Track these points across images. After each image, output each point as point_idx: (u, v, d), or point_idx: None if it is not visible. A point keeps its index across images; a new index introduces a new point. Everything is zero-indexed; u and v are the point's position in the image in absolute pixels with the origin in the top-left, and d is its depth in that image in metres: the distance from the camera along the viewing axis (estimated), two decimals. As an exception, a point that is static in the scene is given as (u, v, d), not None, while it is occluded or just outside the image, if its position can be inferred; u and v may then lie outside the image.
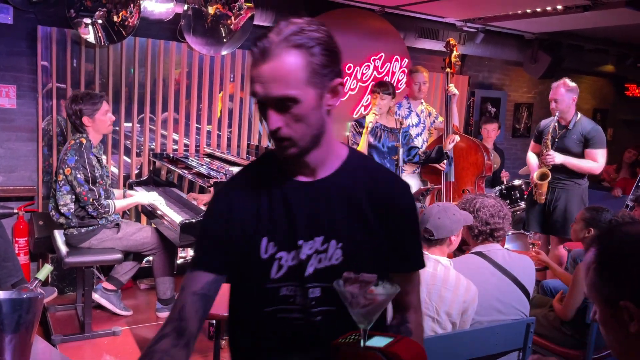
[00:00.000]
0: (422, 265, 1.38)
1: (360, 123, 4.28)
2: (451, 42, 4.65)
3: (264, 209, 1.28)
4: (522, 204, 4.72)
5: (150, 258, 3.86)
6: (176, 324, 1.25)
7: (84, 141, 3.43)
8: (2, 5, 3.97)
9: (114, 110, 4.36)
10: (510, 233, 3.91)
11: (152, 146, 4.72)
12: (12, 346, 1.32)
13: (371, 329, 1.05)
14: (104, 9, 4.12)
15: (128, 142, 4.63)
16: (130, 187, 4.30)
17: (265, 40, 1.14)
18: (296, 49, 1.14)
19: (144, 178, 4.47)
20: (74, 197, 3.43)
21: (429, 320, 2.12)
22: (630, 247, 1.13)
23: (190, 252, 4.47)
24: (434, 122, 4.81)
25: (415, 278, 1.38)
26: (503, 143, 6.80)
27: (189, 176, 3.83)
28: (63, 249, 3.49)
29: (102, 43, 4.21)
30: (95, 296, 3.70)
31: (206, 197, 3.65)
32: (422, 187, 4.45)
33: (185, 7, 4.46)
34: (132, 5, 4.16)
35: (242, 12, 4.61)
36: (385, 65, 5.63)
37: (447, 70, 4.63)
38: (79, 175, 3.37)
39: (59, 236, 3.66)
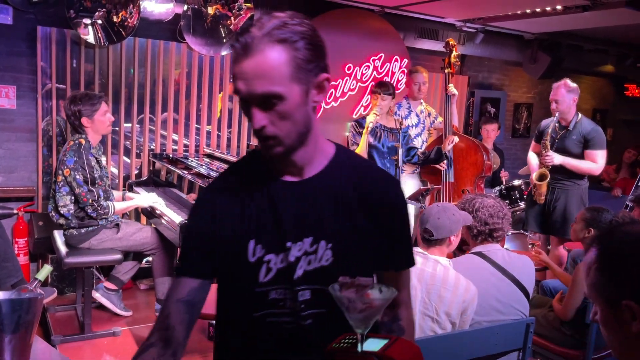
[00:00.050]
0: (412, 263, 1.36)
1: (360, 123, 4.28)
2: (450, 43, 4.66)
3: (250, 211, 1.24)
4: (522, 204, 4.72)
5: (150, 258, 3.86)
6: (162, 333, 1.22)
7: (83, 142, 3.43)
8: (1, 6, 3.97)
9: (113, 111, 4.37)
10: (509, 233, 3.91)
11: (152, 146, 4.71)
12: (12, 346, 1.32)
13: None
14: (104, 10, 4.12)
15: (128, 142, 4.63)
16: (130, 188, 4.30)
17: (247, 35, 1.10)
18: (279, 44, 1.09)
19: (144, 178, 4.46)
20: (73, 198, 3.43)
21: (428, 320, 2.12)
22: (631, 247, 1.13)
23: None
24: (433, 122, 4.81)
25: (405, 275, 1.36)
26: (503, 143, 6.80)
27: (189, 176, 3.83)
28: (63, 249, 3.49)
29: (102, 43, 4.21)
30: (97, 295, 3.70)
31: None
32: (421, 188, 4.45)
33: (185, 7, 4.46)
34: (131, 5, 4.16)
35: (241, 12, 4.61)
36: (385, 66, 5.63)
37: (447, 70, 4.63)
38: (78, 176, 3.37)
39: (58, 237, 3.66)
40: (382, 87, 4.25)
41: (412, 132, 4.64)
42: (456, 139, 4.41)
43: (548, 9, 4.92)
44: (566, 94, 4.06)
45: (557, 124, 4.16)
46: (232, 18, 4.62)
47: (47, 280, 4.08)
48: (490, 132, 5.56)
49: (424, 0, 4.85)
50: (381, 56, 5.57)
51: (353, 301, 0.95)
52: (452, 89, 4.55)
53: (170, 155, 4.44)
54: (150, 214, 3.90)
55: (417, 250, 2.29)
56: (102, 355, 3.37)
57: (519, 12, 5.17)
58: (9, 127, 4.16)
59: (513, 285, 2.36)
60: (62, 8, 4.02)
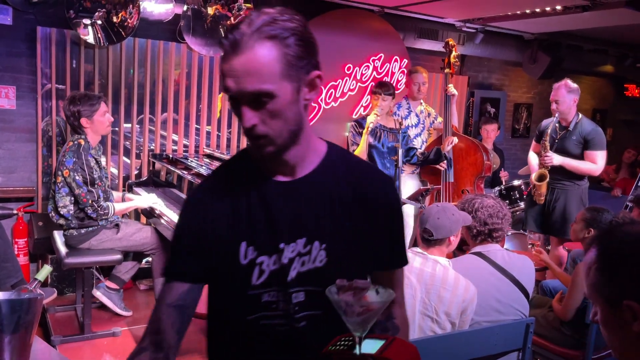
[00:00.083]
0: (406, 261, 1.34)
1: (360, 123, 4.28)
2: (450, 43, 4.66)
3: (242, 212, 1.21)
4: (522, 204, 4.73)
5: (150, 258, 3.86)
6: (153, 337, 1.21)
7: (83, 142, 3.43)
8: (1, 6, 3.96)
9: (113, 111, 4.37)
10: (509, 233, 3.91)
11: (152, 147, 4.72)
12: (12, 347, 1.32)
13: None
14: (104, 10, 4.12)
15: (127, 142, 4.63)
16: (130, 188, 4.30)
17: (237, 32, 1.07)
18: (269, 41, 1.07)
19: (144, 179, 4.47)
20: (73, 198, 3.43)
21: (428, 320, 2.12)
22: (631, 247, 1.13)
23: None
24: (433, 122, 4.81)
25: (399, 274, 1.35)
26: (502, 143, 6.80)
27: (189, 177, 3.83)
28: (62, 249, 3.49)
29: (102, 44, 4.21)
30: (98, 294, 3.70)
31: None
32: (421, 188, 4.45)
33: (185, 7, 4.46)
34: (131, 6, 4.16)
35: (241, 12, 4.61)
36: (385, 66, 5.63)
37: (447, 70, 4.63)
38: (77, 177, 3.37)
39: (58, 237, 3.66)
40: (383, 87, 4.25)
41: (412, 132, 4.64)
42: (455, 139, 4.41)
43: (548, 9, 4.92)
44: (566, 95, 4.06)
45: (557, 125, 4.15)
46: (232, 18, 4.62)
47: (47, 281, 4.08)
48: (490, 132, 5.56)
49: (423, 1, 4.85)
50: (381, 56, 5.57)
51: (351, 305, 0.94)
52: (451, 89, 4.55)
53: (170, 156, 4.44)
54: (149, 213, 3.90)
55: (416, 250, 2.29)
56: (102, 356, 3.37)
57: (518, 12, 5.17)
58: (9, 128, 4.16)
59: (513, 286, 2.36)
60: (62, 8, 4.03)
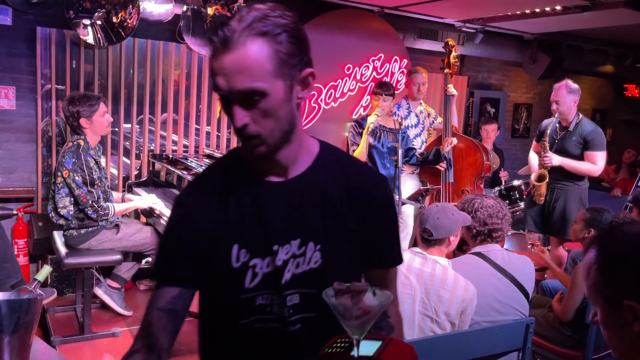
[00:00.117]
0: (400, 260, 1.32)
1: (359, 124, 4.28)
2: (450, 43, 4.66)
3: (233, 214, 1.18)
4: (522, 205, 4.73)
5: (150, 259, 3.85)
6: (145, 340, 1.19)
7: (82, 143, 3.43)
8: (1, 7, 3.96)
9: (113, 112, 4.37)
10: (509, 233, 3.91)
11: (152, 147, 4.72)
12: (11, 347, 1.32)
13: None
14: (103, 10, 4.12)
15: (127, 143, 4.63)
16: (130, 188, 4.30)
17: (227, 29, 1.03)
18: (261, 37, 1.03)
19: (144, 179, 4.47)
20: (73, 199, 3.43)
21: (427, 321, 2.12)
22: (632, 247, 1.13)
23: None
24: (432, 122, 4.81)
25: (393, 272, 1.32)
26: (502, 143, 6.80)
27: (189, 177, 3.83)
28: (62, 250, 3.49)
29: (101, 44, 4.21)
30: (99, 292, 3.70)
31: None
32: (421, 188, 4.45)
33: (185, 8, 4.46)
34: (131, 6, 4.16)
35: (241, 13, 4.60)
36: (385, 66, 5.63)
37: (446, 71, 4.63)
38: (77, 178, 3.37)
39: (58, 237, 3.66)
40: (384, 87, 4.25)
41: (412, 132, 4.64)
42: (455, 140, 4.40)
43: (547, 9, 4.92)
44: (567, 95, 4.05)
45: (557, 125, 4.15)
46: (232, 18, 4.61)
47: (46, 281, 4.08)
48: (490, 133, 5.56)
49: (423, 1, 4.85)
50: (381, 56, 5.57)
51: (349, 309, 0.92)
52: (451, 89, 4.55)
53: (170, 156, 4.44)
54: (150, 214, 3.90)
55: (416, 250, 2.29)
56: (101, 356, 3.37)
57: (518, 12, 5.17)
58: (9, 128, 4.16)
59: (512, 286, 2.36)
60: (62, 9, 4.02)
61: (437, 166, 4.52)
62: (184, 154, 4.73)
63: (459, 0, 4.81)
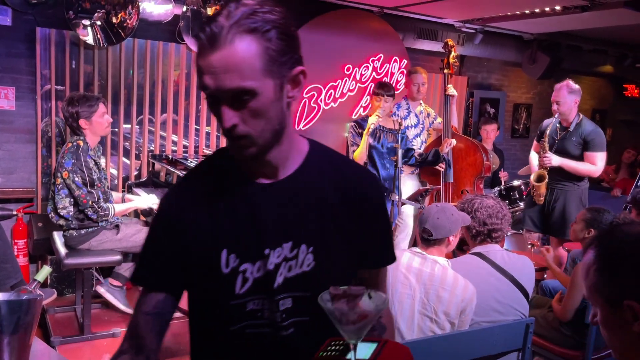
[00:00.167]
0: (392, 259, 1.29)
1: (359, 124, 4.28)
2: (449, 43, 4.66)
3: (221, 218, 1.14)
4: (521, 205, 4.73)
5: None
6: (133, 341, 1.17)
7: (82, 144, 3.43)
8: (0, 7, 3.97)
9: (112, 112, 4.37)
10: (509, 234, 3.91)
11: (151, 148, 4.72)
12: (11, 348, 1.32)
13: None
14: (103, 11, 4.12)
15: (127, 143, 4.63)
16: (130, 189, 4.30)
17: (214, 25, 0.99)
18: (250, 34, 0.99)
19: (143, 179, 4.46)
20: (72, 200, 3.43)
21: (427, 321, 2.12)
22: (632, 247, 1.13)
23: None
24: (432, 122, 4.81)
25: (384, 272, 1.31)
26: (502, 144, 6.80)
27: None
28: (62, 250, 3.49)
29: (101, 45, 4.21)
30: (102, 290, 3.70)
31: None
32: (421, 188, 4.45)
33: (184, 8, 4.46)
34: (130, 6, 4.16)
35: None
36: (384, 66, 5.63)
37: (446, 71, 4.63)
38: (76, 179, 3.37)
39: (58, 238, 3.66)
40: (385, 88, 4.24)
41: (411, 132, 4.64)
42: (454, 141, 4.40)
43: (547, 9, 4.92)
44: (568, 96, 4.05)
45: (557, 125, 4.15)
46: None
47: (46, 282, 4.08)
48: (490, 133, 5.56)
49: (423, 1, 4.85)
50: (380, 57, 5.57)
51: (346, 314, 0.90)
52: (451, 89, 4.55)
53: (170, 156, 4.44)
54: (150, 214, 3.89)
55: (415, 250, 2.29)
56: (101, 357, 3.36)
57: (518, 12, 5.17)
58: (8, 129, 4.16)
59: (512, 286, 2.36)
60: (61, 9, 4.02)
61: (436, 167, 4.52)
62: (183, 154, 4.73)
63: (458, 1, 4.81)
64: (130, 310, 3.79)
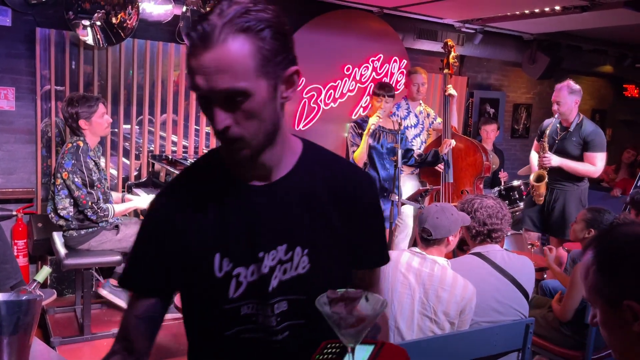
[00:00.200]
0: (386, 260, 1.28)
1: (359, 124, 4.27)
2: (449, 44, 4.65)
3: (214, 221, 1.12)
4: (521, 205, 4.73)
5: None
6: (124, 343, 1.17)
7: (81, 144, 3.43)
8: (0, 7, 3.96)
9: (112, 112, 4.37)
10: (508, 234, 3.91)
11: (151, 148, 4.72)
12: (11, 348, 1.32)
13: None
14: (103, 11, 4.11)
15: (127, 144, 4.63)
16: (129, 189, 4.30)
17: (206, 24, 0.96)
18: (243, 34, 0.96)
19: (143, 180, 4.47)
20: (72, 200, 3.43)
21: (426, 321, 2.12)
22: (632, 247, 1.13)
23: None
24: (432, 123, 4.81)
25: (378, 272, 1.29)
26: (502, 144, 6.80)
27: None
28: (62, 251, 3.49)
29: (101, 45, 4.21)
30: (104, 292, 3.70)
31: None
32: (420, 188, 4.45)
33: (184, 8, 4.45)
34: (130, 7, 4.16)
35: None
36: (384, 66, 5.63)
37: (445, 71, 4.63)
38: (76, 179, 3.36)
39: (57, 238, 3.65)
40: (386, 89, 4.24)
41: (411, 132, 4.63)
42: (453, 142, 4.40)
43: (547, 9, 4.92)
44: (568, 96, 4.05)
45: (558, 125, 4.15)
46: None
47: (46, 282, 4.07)
48: (490, 133, 5.56)
49: (422, 1, 4.85)
50: (380, 57, 5.57)
51: (344, 317, 0.89)
52: (450, 90, 4.55)
53: (170, 157, 4.44)
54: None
55: (415, 250, 2.29)
56: (101, 357, 3.35)
57: (517, 12, 5.17)
58: (8, 129, 4.15)
59: (512, 286, 2.36)
60: (61, 9, 4.02)
61: (436, 167, 4.52)
62: (183, 154, 4.73)
63: (458, 1, 4.81)
64: None
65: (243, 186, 1.13)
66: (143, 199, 3.84)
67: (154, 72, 4.60)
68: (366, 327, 0.91)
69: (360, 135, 4.19)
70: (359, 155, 4.14)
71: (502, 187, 4.93)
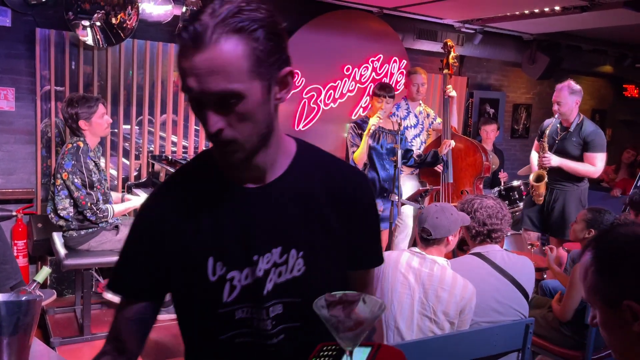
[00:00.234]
0: (381, 261, 1.27)
1: (359, 125, 4.27)
2: (449, 44, 4.65)
3: (206, 224, 1.10)
4: (521, 205, 4.73)
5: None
6: (115, 343, 1.17)
7: (81, 145, 3.42)
8: (0, 8, 3.96)
9: (112, 113, 4.37)
10: (508, 234, 3.91)
11: (151, 148, 4.72)
12: (11, 349, 1.32)
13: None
14: (102, 11, 4.11)
15: (127, 144, 4.63)
16: (129, 189, 4.30)
17: (198, 24, 0.93)
18: (236, 34, 0.94)
19: (143, 180, 4.47)
20: (72, 201, 3.43)
21: (426, 321, 2.12)
22: (631, 248, 1.13)
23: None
24: (432, 123, 4.80)
25: (372, 273, 1.29)
26: (502, 144, 6.80)
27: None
28: (62, 251, 3.49)
29: (101, 45, 4.21)
30: (109, 296, 3.70)
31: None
32: (420, 188, 4.45)
33: (184, 9, 4.45)
34: (130, 7, 4.16)
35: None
36: (384, 67, 5.63)
37: (445, 71, 4.63)
38: (76, 180, 3.36)
39: (57, 238, 3.65)
40: (386, 90, 4.23)
41: (411, 133, 4.63)
42: (452, 143, 4.40)
43: (547, 9, 4.92)
44: (569, 96, 4.04)
45: (558, 125, 4.15)
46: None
47: (46, 282, 4.07)
48: (490, 133, 5.56)
49: (422, 2, 4.85)
50: (380, 57, 5.57)
51: (342, 321, 0.88)
52: (450, 90, 4.55)
53: (169, 157, 4.44)
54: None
55: (414, 250, 2.29)
56: (101, 357, 3.36)
57: (517, 13, 5.17)
58: (8, 129, 4.16)
59: (512, 286, 2.36)
60: (61, 10, 4.02)
61: (435, 168, 4.52)
62: (183, 154, 4.73)
63: (458, 1, 4.81)
64: None
65: (237, 188, 1.12)
66: (142, 199, 3.84)
67: (153, 73, 4.60)
68: (364, 330, 0.90)
69: (360, 136, 4.19)
70: (359, 155, 4.14)
71: (501, 187, 4.93)
